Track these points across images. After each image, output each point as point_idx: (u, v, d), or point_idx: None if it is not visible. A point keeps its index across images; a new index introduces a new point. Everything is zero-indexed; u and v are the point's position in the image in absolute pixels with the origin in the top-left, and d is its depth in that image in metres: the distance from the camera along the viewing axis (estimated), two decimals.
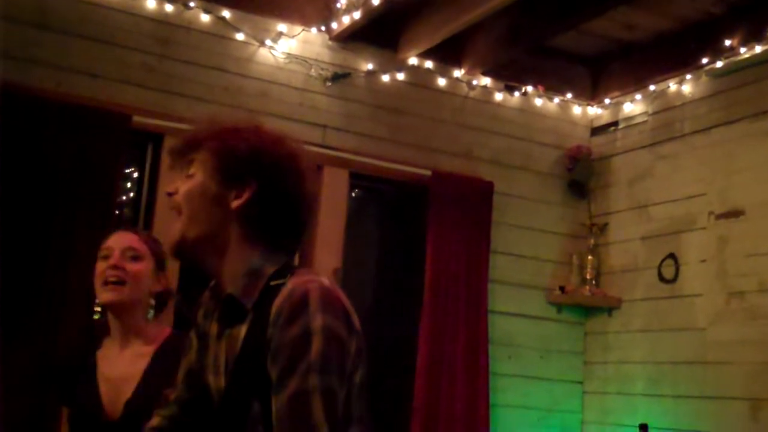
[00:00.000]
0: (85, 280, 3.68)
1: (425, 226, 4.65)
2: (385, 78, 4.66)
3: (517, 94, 5.02)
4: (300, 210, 1.74)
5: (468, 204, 4.72)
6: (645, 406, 4.53)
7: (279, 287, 1.65)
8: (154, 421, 1.92)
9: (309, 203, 1.76)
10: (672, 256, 4.59)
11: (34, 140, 3.71)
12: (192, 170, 1.72)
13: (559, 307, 5.01)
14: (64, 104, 3.81)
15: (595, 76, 5.19)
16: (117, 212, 4.09)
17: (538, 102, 5.09)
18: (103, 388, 2.38)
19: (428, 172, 4.65)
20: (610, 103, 5.13)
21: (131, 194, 4.35)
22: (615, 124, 5.11)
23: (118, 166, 3.95)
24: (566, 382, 4.97)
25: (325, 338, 1.57)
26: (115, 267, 2.43)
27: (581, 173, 5.09)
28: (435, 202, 4.65)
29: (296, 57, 4.44)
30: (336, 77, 4.52)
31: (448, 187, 4.68)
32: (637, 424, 4.22)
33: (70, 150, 3.79)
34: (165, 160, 4.09)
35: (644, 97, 4.92)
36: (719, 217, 4.36)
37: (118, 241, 2.50)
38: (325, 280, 1.66)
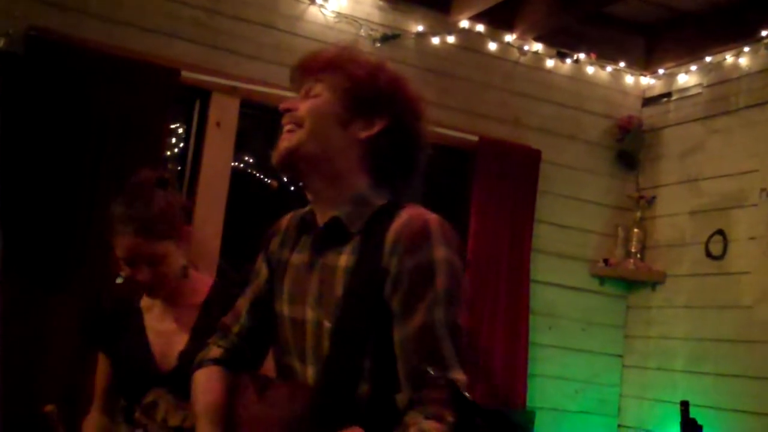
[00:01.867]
0: None
1: (469, 193, 4.62)
2: (435, 41, 4.60)
3: (568, 61, 4.93)
4: (418, 153, 1.75)
5: (514, 172, 4.66)
6: (685, 383, 4.48)
7: (390, 217, 1.64)
8: (213, 351, 1.89)
9: (425, 149, 1.76)
10: (720, 232, 4.50)
11: (83, 92, 3.71)
12: (317, 90, 1.72)
13: (602, 279, 4.95)
14: (114, 57, 3.80)
15: (650, 45, 5.08)
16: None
17: (590, 70, 5.00)
18: (153, 341, 2.36)
19: (475, 138, 4.60)
20: (663, 74, 5.02)
21: (175, 150, 4.36)
22: (668, 95, 5.00)
23: (166, 121, 3.95)
24: (606, 355, 4.94)
25: (448, 270, 1.58)
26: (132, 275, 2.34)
27: (631, 144, 5.00)
28: (480, 168, 4.60)
29: (346, 16, 4.39)
30: (385, 38, 4.47)
31: (494, 153, 4.63)
32: (677, 401, 4.15)
33: (118, 104, 3.79)
34: (212, 116, 4.10)
35: (699, 69, 4.81)
36: None
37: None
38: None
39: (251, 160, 5.01)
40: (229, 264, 4.22)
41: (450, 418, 1.49)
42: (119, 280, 2.40)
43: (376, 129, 1.70)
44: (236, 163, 4.52)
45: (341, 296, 1.63)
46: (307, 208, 1.81)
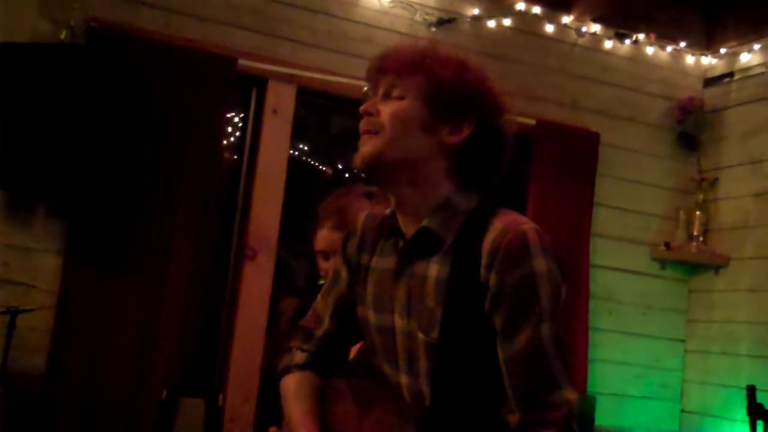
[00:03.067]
0: (190, 225, 3.80)
1: (527, 177, 4.57)
2: (491, 24, 4.56)
3: (627, 42, 4.85)
4: (506, 152, 1.69)
5: (572, 155, 4.61)
6: (750, 368, 4.40)
7: (483, 225, 1.59)
8: (298, 356, 1.85)
9: (511, 147, 1.70)
10: None
11: (142, 82, 3.76)
12: (398, 92, 1.64)
13: (663, 263, 4.88)
14: (172, 47, 3.85)
15: (711, 24, 4.98)
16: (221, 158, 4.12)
17: (649, 51, 4.91)
18: None
19: (532, 122, 4.55)
20: (725, 53, 4.91)
21: (231, 139, 4.40)
22: (730, 75, 4.89)
23: (223, 109, 3.98)
24: (668, 340, 4.87)
25: (550, 282, 1.53)
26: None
27: (692, 126, 4.91)
28: (538, 152, 4.56)
29: (401, 1, 4.37)
30: (441, 22, 4.44)
31: (552, 137, 4.59)
32: (742, 386, 4.08)
33: (177, 93, 3.84)
34: (269, 104, 4.12)
35: (762, 48, 4.69)
36: None
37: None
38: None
39: (306, 148, 5.04)
40: (287, 250, 4.25)
41: None
42: (321, 282, 2.43)
43: (464, 134, 1.62)
44: (292, 151, 4.55)
45: (441, 310, 1.58)
46: (387, 211, 1.74)
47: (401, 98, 1.63)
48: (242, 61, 4.00)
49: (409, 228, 1.67)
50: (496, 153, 1.67)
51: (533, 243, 1.54)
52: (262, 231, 4.06)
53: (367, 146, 1.63)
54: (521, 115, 4.50)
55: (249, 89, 4.20)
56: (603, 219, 4.73)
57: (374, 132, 1.63)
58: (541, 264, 1.53)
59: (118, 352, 3.64)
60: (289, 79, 4.14)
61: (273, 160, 4.14)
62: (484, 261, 1.55)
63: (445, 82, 1.62)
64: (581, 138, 4.67)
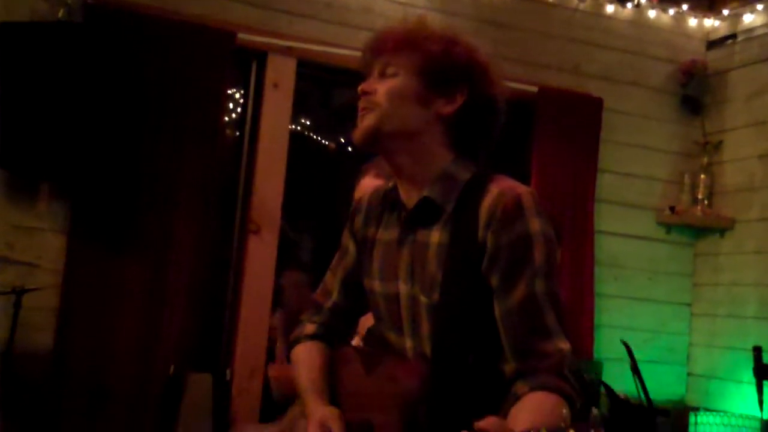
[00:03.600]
0: (194, 200, 3.80)
1: (530, 144, 4.56)
2: None
3: (629, 5, 4.81)
4: (499, 119, 1.77)
5: (575, 121, 4.59)
6: (757, 329, 4.40)
7: (480, 191, 1.67)
8: (308, 328, 1.94)
9: (503, 114, 1.78)
10: None
11: (142, 58, 3.75)
12: (392, 70, 1.72)
13: (669, 227, 4.87)
14: (170, 22, 3.83)
15: None
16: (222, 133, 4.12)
17: (651, 14, 4.87)
18: None
19: (534, 89, 4.52)
20: (728, 15, 4.86)
21: (233, 115, 4.39)
22: (733, 36, 4.85)
23: (223, 85, 3.97)
24: (674, 304, 4.87)
25: (545, 242, 1.62)
26: None
27: (696, 89, 4.87)
28: (541, 119, 4.54)
29: None
30: None
31: (555, 103, 4.56)
32: (748, 348, 4.09)
33: (176, 69, 3.83)
34: (269, 77, 4.10)
35: (766, 8, 4.65)
36: None
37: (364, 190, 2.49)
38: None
39: (308, 122, 5.02)
40: (291, 224, 4.26)
41: (567, 388, 1.54)
42: None
43: (458, 103, 1.70)
44: (294, 126, 4.54)
45: (442, 273, 1.65)
46: (389, 185, 1.83)
47: (395, 75, 1.72)
48: (241, 35, 3.98)
49: (410, 199, 1.75)
50: (490, 120, 1.76)
51: (528, 205, 1.62)
52: (266, 206, 4.06)
53: (364, 121, 1.72)
54: (523, 83, 4.48)
55: (249, 64, 4.18)
56: (607, 185, 4.72)
57: (372, 109, 1.72)
58: (535, 225, 1.61)
59: (124, 329, 3.66)
60: (288, 52, 4.12)
61: (275, 135, 4.13)
62: (481, 223, 1.63)
63: (435, 56, 1.70)
64: (584, 104, 4.64)
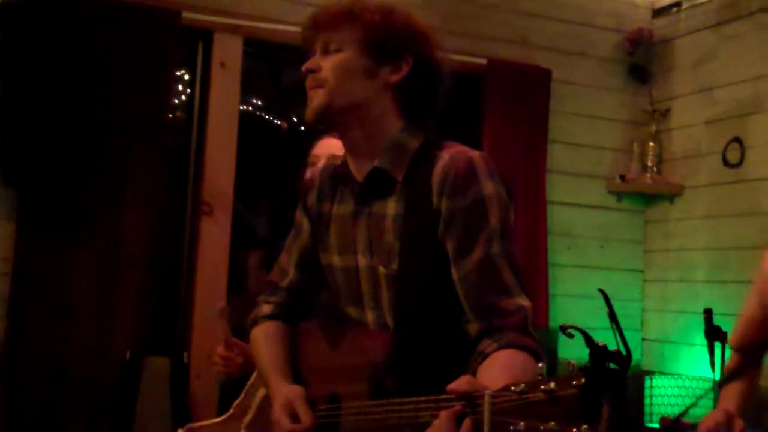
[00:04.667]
0: (144, 184, 3.75)
1: (480, 117, 4.57)
2: None
3: None
4: (444, 83, 1.78)
5: (525, 93, 4.61)
6: (708, 293, 4.48)
7: (431, 159, 1.67)
8: (265, 308, 1.94)
9: (448, 80, 1.79)
10: (737, 139, 4.45)
11: (85, 40, 3.68)
12: (335, 46, 1.73)
13: (619, 195, 4.93)
14: (113, 2, 3.76)
15: None
16: (170, 115, 4.08)
17: None
18: None
19: (483, 61, 4.53)
20: None
21: (183, 97, 4.33)
22: (678, 4, 4.89)
23: (170, 66, 3.92)
24: (626, 271, 4.94)
25: (499, 204, 1.63)
26: None
27: (642, 57, 4.93)
28: (490, 92, 4.55)
29: None
30: None
31: (503, 76, 4.57)
32: (699, 311, 4.17)
33: (121, 51, 3.77)
34: (216, 57, 4.06)
35: None
36: None
37: (324, 147, 2.55)
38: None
39: (259, 102, 4.98)
40: (244, 205, 4.24)
41: (533, 344, 1.56)
42: None
43: (404, 71, 1.71)
44: (245, 107, 4.50)
45: (399, 243, 1.67)
46: (339, 161, 1.84)
47: (339, 50, 1.72)
48: (186, 14, 3.92)
49: (361, 171, 1.75)
50: (436, 85, 1.77)
51: (481, 168, 1.64)
52: (217, 187, 4.03)
53: (314, 100, 1.72)
54: (472, 56, 4.48)
55: (195, 43, 4.12)
56: (558, 155, 4.75)
57: (320, 87, 1.72)
58: (489, 187, 1.63)
59: (78, 315, 3.62)
60: (235, 30, 4.07)
61: (224, 115, 4.09)
62: (435, 190, 1.64)
63: (376, 27, 1.71)
64: (533, 75, 4.66)
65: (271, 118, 5.10)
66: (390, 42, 1.71)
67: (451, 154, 1.66)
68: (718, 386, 2.72)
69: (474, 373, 1.53)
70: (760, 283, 2.67)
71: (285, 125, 5.17)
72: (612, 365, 1.60)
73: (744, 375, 2.64)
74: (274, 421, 1.76)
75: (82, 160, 3.68)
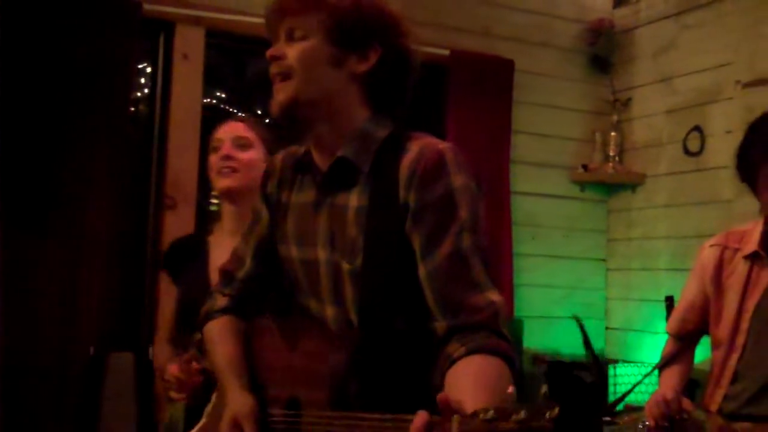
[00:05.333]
0: (106, 179, 3.71)
1: (444, 108, 4.58)
2: None
3: None
4: (413, 73, 1.72)
5: (488, 83, 4.62)
6: (670, 281, 4.53)
7: (399, 150, 1.62)
8: (220, 301, 1.87)
9: (417, 69, 1.73)
10: (697, 128, 4.51)
11: (46, 32, 3.63)
12: (300, 33, 1.65)
13: (582, 185, 4.97)
14: None
15: None
16: (132, 109, 4.04)
17: None
18: (213, 274, 2.34)
19: (446, 52, 4.53)
20: None
21: (146, 90, 4.29)
22: None
23: (131, 58, 3.86)
24: (590, 260, 4.99)
25: (468, 197, 1.58)
26: (226, 157, 2.50)
27: (603, 47, 4.96)
28: (453, 82, 4.56)
29: None
30: None
31: (466, 66, 4.58)
32: (662, 299, 4.23)
33: (81, 43, 3.71)
34: (178, 49, 4.02)
35: None
36: (746, 85, 4.25)
37: (227, 131, 2.55)
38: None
39: (223, 95, 4.94)
40: (207, 198, 4.20)
41: (505, 347, 1.47)
42: (213, 208, 2.54)
43: (372, 60, 1.65)
44: (209, 99, 4.46)
45: (363, 237, 1.60)
46: (301, 149, 1.77)
47: (304, 38, 1.65)
48: (147, 6, 3.87)
49: (324, 162, 1.69)
50: (405, 75, 1.71)
51: (450, 161, 1.58)
52: (180, 180, 4.00)
53: (281, 94, 1.65)
54: (435, 46, 4.48)
55: (156, 35, 4.08)
56: (521, 145, 4.78)
57: (285, 74, 1.65)
58: (458, 180, 1.57)
59: (40, 312, 3.57)
60: (196, 21, 4.03)
61: (186, 107, 4.05)
62: (402, 183, 1.58)
63: (343, 14, 1.64)
64: (496, 66, 4.67)
65: (234, 110, 5.07)
66: (358, 30, 1.64)
67: (419, 146, 1.61)
68: (658, 369, 2.86)
69: (442, 378, 1.45)
70: (699, 270, 2.82)
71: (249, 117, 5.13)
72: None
73: (680, 358, 2.84)
74: None
75: (43, 155, 3.63)
